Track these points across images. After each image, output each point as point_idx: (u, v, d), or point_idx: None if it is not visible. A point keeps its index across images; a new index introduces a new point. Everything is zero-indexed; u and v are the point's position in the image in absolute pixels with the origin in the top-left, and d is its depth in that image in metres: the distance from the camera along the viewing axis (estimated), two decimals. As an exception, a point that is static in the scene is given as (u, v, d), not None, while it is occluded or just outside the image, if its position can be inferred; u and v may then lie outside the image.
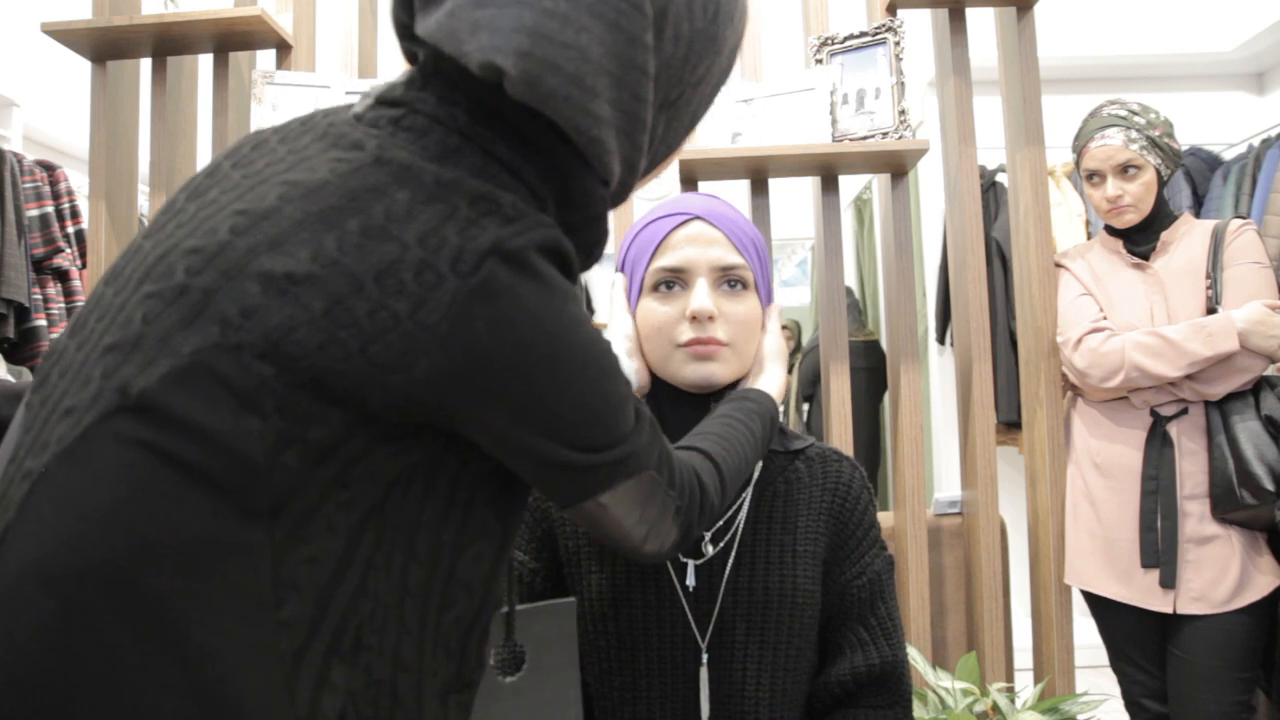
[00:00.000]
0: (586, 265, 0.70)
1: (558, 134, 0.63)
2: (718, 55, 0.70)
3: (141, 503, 0.53)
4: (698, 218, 0.94)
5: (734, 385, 0.95)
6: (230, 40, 1.97)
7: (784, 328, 4.07)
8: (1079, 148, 1.83)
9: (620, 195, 0.72)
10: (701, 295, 0.91)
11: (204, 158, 2.06)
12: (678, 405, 0.96)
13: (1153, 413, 1.73)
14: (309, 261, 0.56)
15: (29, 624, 0.53)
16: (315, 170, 0.60)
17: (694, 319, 0.91)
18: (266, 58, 2.10)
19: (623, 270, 0.99)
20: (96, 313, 0.62)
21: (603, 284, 5.15)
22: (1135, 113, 1.77)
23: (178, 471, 0.54)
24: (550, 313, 0.60)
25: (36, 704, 0.52)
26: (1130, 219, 1.79)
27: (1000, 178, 3.35)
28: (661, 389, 0.97)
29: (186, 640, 0.53)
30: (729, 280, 0.93)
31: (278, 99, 1.93)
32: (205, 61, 2.08)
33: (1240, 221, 1.78)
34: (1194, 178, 3.20)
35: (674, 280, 0.93)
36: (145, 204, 2.78)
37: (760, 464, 0.99)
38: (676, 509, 0.71)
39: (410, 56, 0.68)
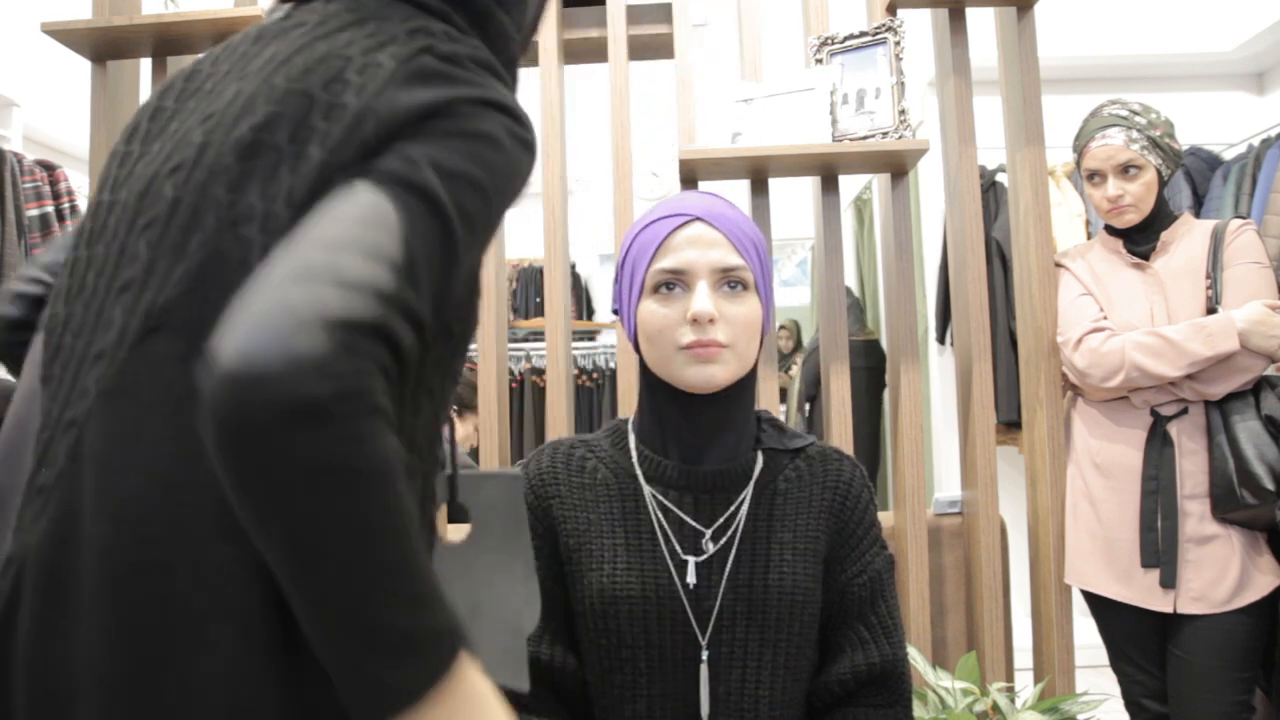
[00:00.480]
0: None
1: None
2: None
3: (190, 415, 0.51)
4: (698, 219, 0.94)
5: (732, 387, 0.95)
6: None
7: (782, 327, 4.07)
8: (1079, 147, 1.83)
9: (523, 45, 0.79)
10: (702, 298, 0.91)
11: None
12: (678, 406, 0.96)
13: (1153, 412, 1.73)
14: (264, 104, 0.61)
15: (123, 557, 0.54)
16: (261, 56, 0.65)
17: (694, 321, 0.91)
18: None
19: (623, 270, 0.99)
20: (92, 270, 0.63)
21: (603, 285, 5.16)
22: (1136, 113, 1.77)
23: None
24: (478, 90, 0.64)
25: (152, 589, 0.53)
26: (1131, 219, 1.79)
27: (1000, 178, 3.35)
28: (662, 389, 0.97)
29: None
30: (729, 281, 0.93)
31: (278, 99, 1.93)
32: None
33: (1240, 221, 1.78)
34: (1194, 178, 3.20)
35: (674, 282, 0.93)
36: (145, 204, 2.78)
37: (761, 462, 0.99)
38: (376, 309, 0.52)
39: None
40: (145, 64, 2.06)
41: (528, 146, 0.67)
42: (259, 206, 0.58)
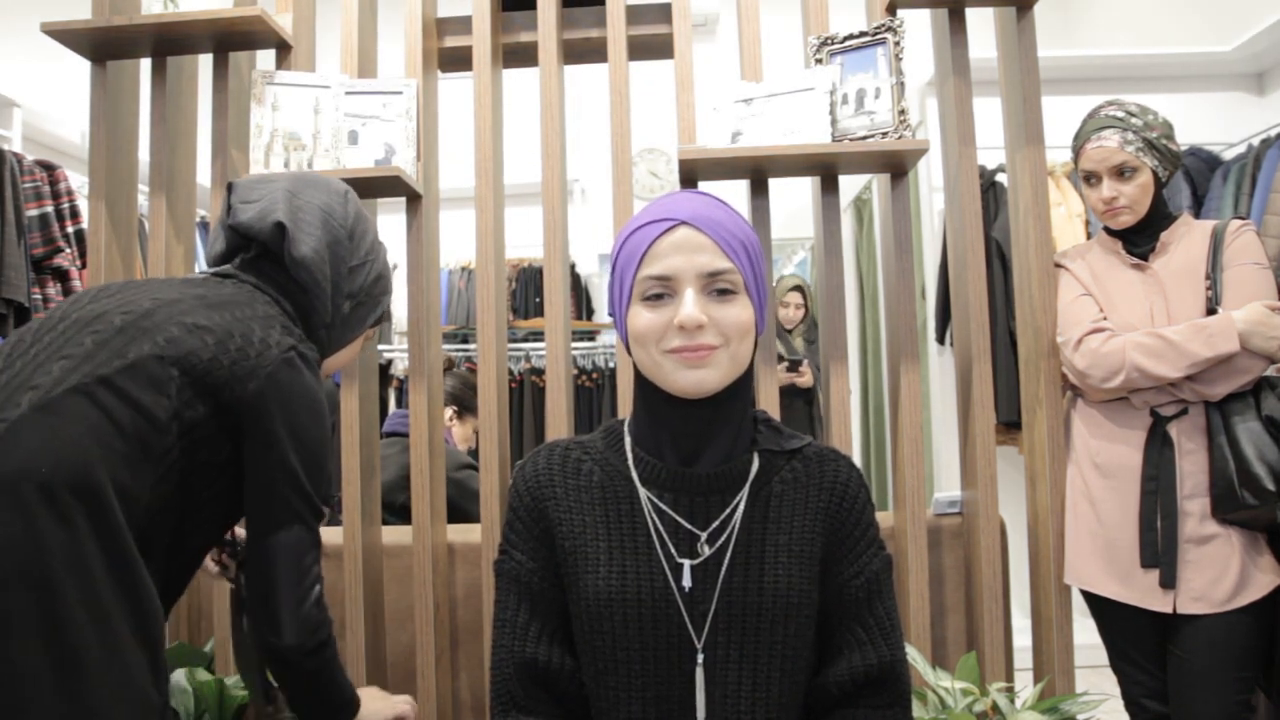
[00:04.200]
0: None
1: (306, 302, 1.20)
2: (379, 281, 1.30)
3: (91, 440, 0.95)
4: (684, 223, 0.92)
5: (726, 389, 0.94)
6: (230, 40, 1.97)
7: (797, 289, 4.06)
8: (1077, 148, 1.83)
9: (325, 350, 1.26)
10: (689, 304, 0.90)
11: (204, 158, 2.06)
12: (673, 409, 0.96)
13: (1153, 413, 1.73)
14: (207, 321, 1.07)
15: (21, 515, 0.88)
16: (195, 286, 1.13)
17: (682, 328, 0.90)
18: (266, 58, 2.09)
19: (613, 276, 0.98)
20: (37, 346, 1.02)
21: (603, 285, 5.16)
22: (1133, 114, 1.77)
23: (115, 426, 0.97)
24: (315, 386, 1.13)
25: (15, 566, 0.88)
26: (1125, 220, 1.79)
27: (1000, 178, 3.35)
28: (656, 393, 0.96)
29: (109, 526, 0.94)
30: (717, 286, 0.92)
31: (277, 99, 1.93)
32: (205, 61, 2.08)
33: (1240, 222, 1.78)
34: (1194, 178, 3.20)
35: (662, 289, 0.92)
36: (145, 204, 2.78)
37: (757, 463, 0.99)
38: (311, 591, 1.10)
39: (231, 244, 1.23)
40: (145, 64, 2.06)
41: (326, 419, 1.15)
42: (174, 366, 1.02)
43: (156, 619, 0.97)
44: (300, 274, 1.18)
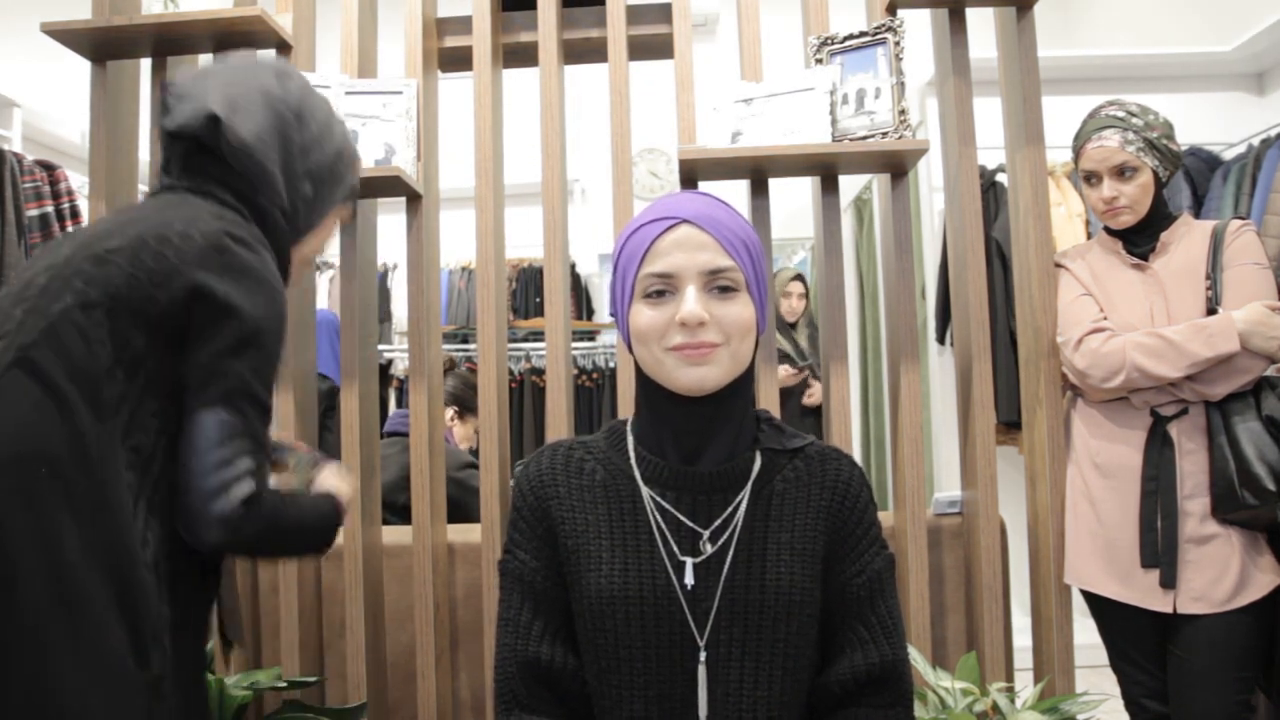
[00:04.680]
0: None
1: (252, 189, 1.14)
2: (338, 153, 1.23)
3: (38, 414, 0.94)
4: (685, 221, 0.93)
5: (728, 387, 0.95)
6: (230, 40, 1.96)
7: (798, 278, 4.06)
8: (1077, 148, 1.83)
9: (291, 238, 1.20)
10: (690, 302, 0.90)
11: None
12: (675, 407, 0.96)
13: (1153, 413, 1.73)
14: (117, 242, 1.02)
15: None
16: (123, 212, 1.12)
17: (683, 325, 0.90)
18: (266, 58, 2.10)
19: (615, 274, 0.99)
20: None
21: (603, 285, 5.16)
22: (1133, 114, 1.77)
23: (56, 393, 0.94)
24: (256, 264, 1.06)
25: None
26: (1126, 220, 1.79)
27: (1000, 178, 3.35)
28: (658, 391, 0.96)
29: (78, 497, 0.94)
30: (719, 283, 0.92)
31: (278, 99, 1.93)
32: (205, 61, 2.08)
33: (1240, 222, 1.78)
34: (1194, 178, 3.20)
35: (664, 286, 0.92)
36: (145, 204, 2.77)
37: (759, 462, 0.99)
38: (248, 472, 1.00)
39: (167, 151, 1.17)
40: (145, 64, 2.06)
41: (277, 297, 1.09)
42: (96, 308, 0.98)
43: (140, 589, 0.96)
44: (243, 162, 1.11)
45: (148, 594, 0.97)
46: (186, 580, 1.04)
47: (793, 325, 4.05)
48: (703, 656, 0.93)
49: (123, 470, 0.97)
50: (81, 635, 0.92)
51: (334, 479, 1.24)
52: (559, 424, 1.98)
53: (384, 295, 4.74)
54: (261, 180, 1.13)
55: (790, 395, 3.84)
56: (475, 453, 2.54)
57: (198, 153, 1.13)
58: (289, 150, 1.16)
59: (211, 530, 0.98)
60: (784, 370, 3.88)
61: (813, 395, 3.90)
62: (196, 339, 1.01)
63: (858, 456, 4.50)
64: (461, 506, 2.40)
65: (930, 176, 3.61)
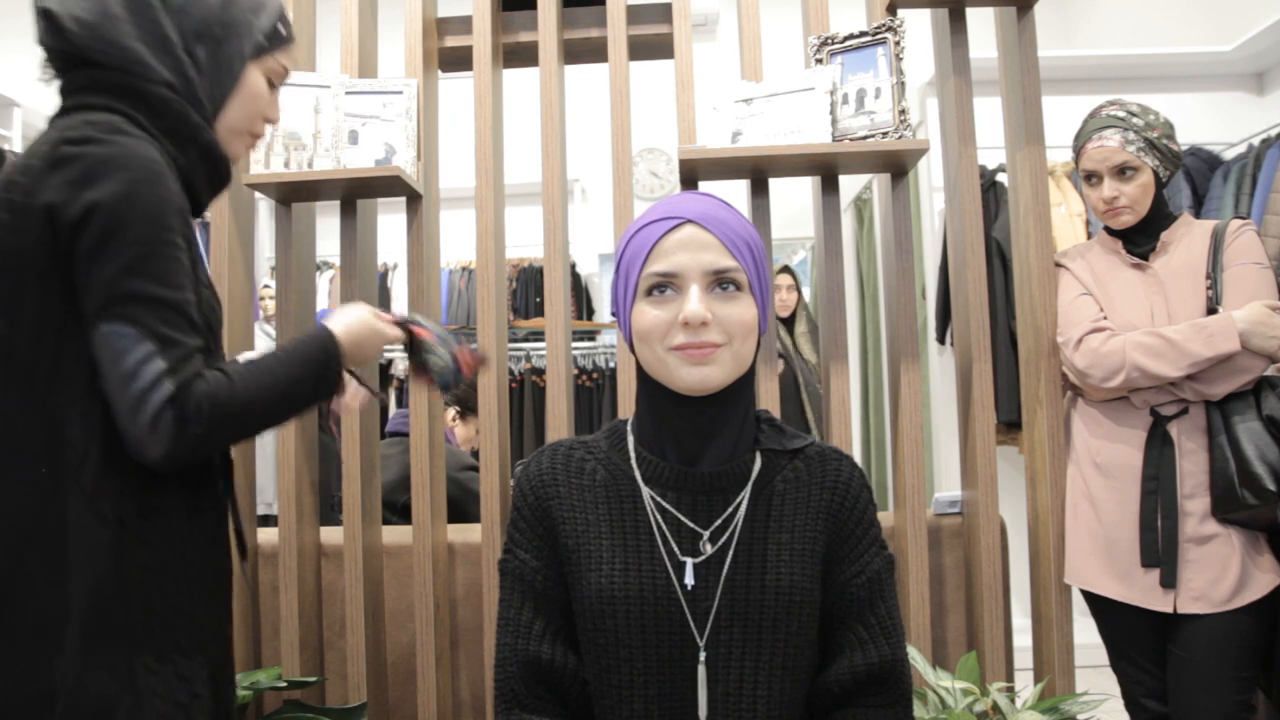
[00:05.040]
0: (214, 179, 1.09)
1: (120, 74, 1.01)
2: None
3: None
4: (690, 221, 0.93)
5: (729, 388, 0.95)
6: (230, 40, 1.96)
7: (785, 270, 4.03)
8: (1078, 148, 1.83)
9: (204, 110, 1.07)
10: (694, 301, 0.90)
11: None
12: (675, 407, 0.96)
13: (1153, 412, 1.73)
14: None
15: None
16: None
17: (686, 325, 0.91)
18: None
19: (618, 274, 0.99)
20: None
21: (603, 285, 5.16)
22: (1134, 114, 1.77)
23: None
24: (112, 154, 0.94)
25: None
26: (1126, 220, 1.80)
27: (1000, 178, 3.35)
28: (659, 391, 0.96)
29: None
30: (722, 283, 0.92)
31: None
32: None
33: (1240, 222, 1.78)
34: (1194, 178, 3.20)
35: (667, 285, 0.92)
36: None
37: (759, 462, 0.99)
38: (161, 374, 0.92)
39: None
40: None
41: (137, 179, 0.95)
42: None
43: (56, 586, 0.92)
44: (94, 47, 1.00)
45: (76, 591, 0.93)
46: (168, 518, 1.00)
47: (787, 321, 4.02)
48: (702, 656, 0.93)
49: (66, 428, 0.94)
50: None
51: (339, 313, 1.15)
52: (559, 424, 1.98)
53: (384, 295, 4.74)
54: (121, 58, 1.00)
55: (786, 398, 3.80)
56: (477, 454, 2.54)
57: (69, 68, 1.02)
58: (151, 17, 1.02)
59: (149, 448, 0.93)
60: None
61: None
62: (72, 265, 0.94)
63: (858, 456, 4.50)
64: (461, 509, 2.40)
65: (930, 176, 3.61)
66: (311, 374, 1.07)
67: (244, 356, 1.06)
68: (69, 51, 1.01)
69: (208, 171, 1.07)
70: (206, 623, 1.04)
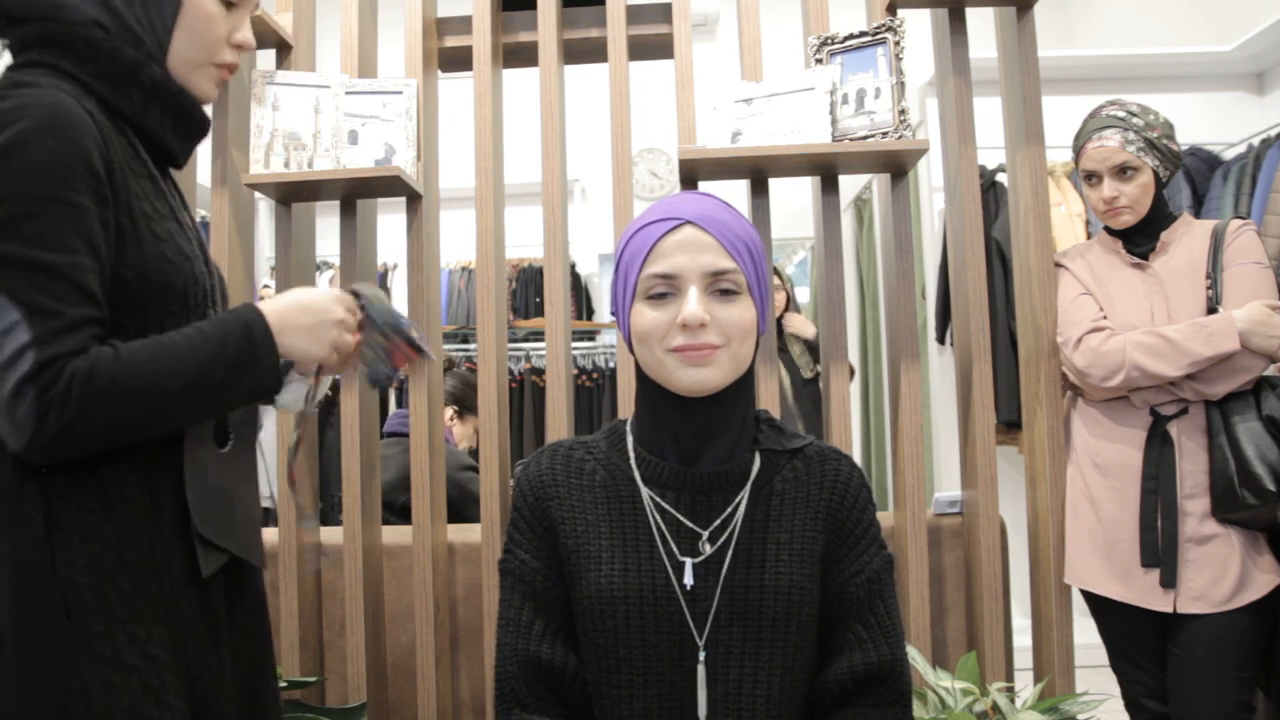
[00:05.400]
0: (177, 121, 0.95)
1: (41, 20, 0.89)
2: None
3: None
4: (688, 222, 0.93)
5: (728, 389, 0.95)
6: (230, 40, 1.96)
7: (776, 272, 4.00)
8: (1078, 148, 1.83)
9: (146, 46, 0.94)
10: (692, 303, 0.90)
11: (204, 157, 2.06)
12: (675, 408, 0.96)
13: (1153, 412, 1.73)
14: None
15: None
16: None
17: (685, 326, 0.91)
18: (266, 58, 2.10)
19: (617, 274, 0.99)
20: None
21: (603, 285, 5.16)
22: (1134, 114, 1.77)
23: None
24: (16, 105, 0.82)
25: None
26: (1126, 220, 1.79)
27: (1000, 178, 3.35)
28: (659, 392, 0.97)
29: None
30: (721, 285, 0.92)
31: (278, 99, 1.93)
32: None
33: (1240, 222, 1.78)
34: (1194, 178, 3.21)
35: (666, 287, 0.93)
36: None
37: (758, 463, 0.99)
38: (20, 349, 0.79)
39: None
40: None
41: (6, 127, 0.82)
42: None
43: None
44: (11, 5, 0.91)
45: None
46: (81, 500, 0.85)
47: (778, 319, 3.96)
48: (702, 656, 0.93)
49: None
50: None
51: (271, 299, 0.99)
52: (559, 424, 1.98)
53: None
54: (39, 6, 0.90)
55: (805, 384, 3.73)
56: (475, 453, 2.54)
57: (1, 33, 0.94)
58: None
59: (10, 436, 0.80)
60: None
61: (790, 324, 3.69)
62: None
63: (858, 456, 4.50)
64: (459, 510, 2.40)
65: (930, 176, 3.61)
66: (226, 359, 0.88)
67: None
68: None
69: (164, 113, 0.94)
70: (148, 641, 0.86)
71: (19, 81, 0.85)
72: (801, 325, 3.65)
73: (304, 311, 0.95)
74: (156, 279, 0.90)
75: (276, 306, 0.94)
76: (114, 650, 0.82)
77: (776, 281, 3.93)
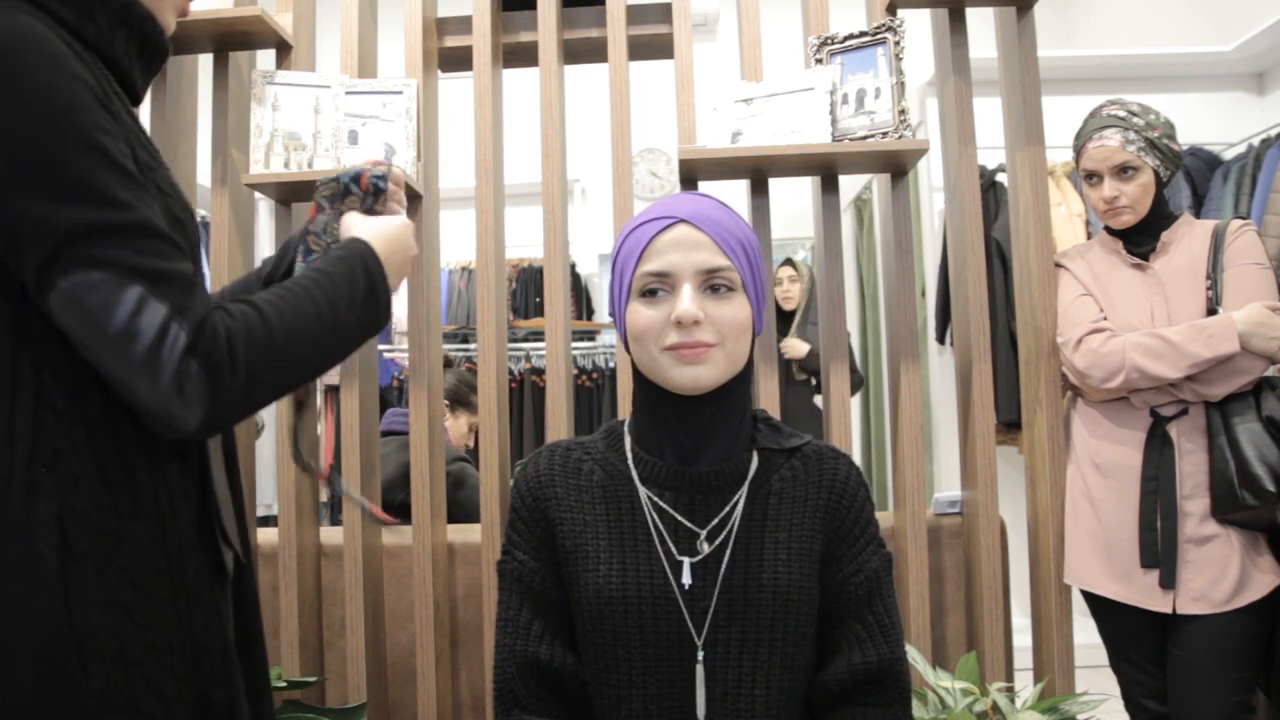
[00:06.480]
0: (143, 47, 0.85)
1: None
2: None
3: None
4: (683, 221, 0.93)
5: (725, 387, 0.95)
6: (230, 40, 1.97)
7: (787, 262, 4.01)
8: (1078, 148, 1.83)
9: None
10: (685, 300, 0.90)
11: (204, 158, 2.06)
12: (671, 407, 0.96)
13: (1153, 413, 1.73)
14: None
15: None
16: None
17: (679, 324, 0.91)
18: (266, 58, 2.10)
19: (613, 273, 0.99)
20: None
21: (603, 285, 5.16)
22: (1135, 114, 1.77)
23: None
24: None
25: None
26: (1127, 220, 1.79)
27: (1000, 178, 3.35)
28: (655, 391, 0.97)
29: None
30: (715, 283, 0.92)
31: (278, 99, 1.93)
32: (205, 61, 2.08)
33: (1240, 222, 1.78)
34: (1194, 178, 3.21)
35: (660, 285, 0.93)
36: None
37: (756, 461, 0.99)
38: (166, 320, 0.70)
39: None
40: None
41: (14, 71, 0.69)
42: None
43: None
44: None
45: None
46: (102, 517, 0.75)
47: (791, 314, 3.97)
48: (700, 656, 0.93)
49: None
50: None
51: (359, 221, 0.94)
52: (559, 424, 1.98)
53: (384, 295, 4.73)
54: None
55: (796, 396, 3.75)
56: (474, 453, 2.54)
57: None
58: None
59: (181, 419, 0.72)
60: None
61: (787, 349, 3.74)
62: None
63: (857, 457, 4.50)
64: (449, 501, 2.39)
65: (930, 176, 3.61)
66: (355, 301, 0.84)
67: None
68: None
69: (129, 39, 0.83)
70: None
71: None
72: (794, 349, 3.69)
73: (397, 248, 0.93)
74: (183, 223, 0.84)
75: (381, 241, 0.91)
76: (129, 698, 0.74)
77: (794, 273, 3.93)
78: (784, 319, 3.94)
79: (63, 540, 0.71)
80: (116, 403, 0.76)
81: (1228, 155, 3.26)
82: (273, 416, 2.15)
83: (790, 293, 3.93)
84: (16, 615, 0.69)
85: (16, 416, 0.71)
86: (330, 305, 0.82)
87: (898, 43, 1.86)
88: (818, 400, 3.80)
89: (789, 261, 4.00)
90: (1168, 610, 1.68)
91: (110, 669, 0.72)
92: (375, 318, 0.88)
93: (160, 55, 0.89)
